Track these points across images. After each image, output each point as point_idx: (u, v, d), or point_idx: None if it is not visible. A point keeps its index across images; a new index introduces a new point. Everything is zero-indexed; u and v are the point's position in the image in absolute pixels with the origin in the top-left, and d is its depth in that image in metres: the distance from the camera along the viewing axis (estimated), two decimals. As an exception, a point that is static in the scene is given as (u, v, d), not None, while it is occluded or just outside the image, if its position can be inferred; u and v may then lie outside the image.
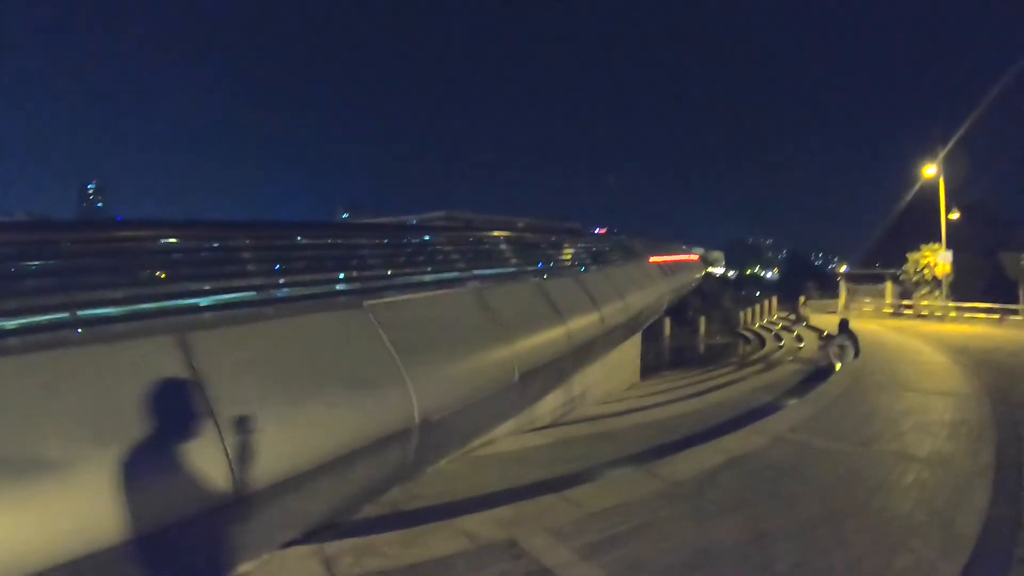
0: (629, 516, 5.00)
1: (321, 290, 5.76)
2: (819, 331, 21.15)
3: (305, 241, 6.52)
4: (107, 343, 3.80)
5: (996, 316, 27.31)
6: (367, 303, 5.71)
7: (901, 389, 11.14)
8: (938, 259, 30.46)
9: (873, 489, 5.84)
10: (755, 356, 21.01)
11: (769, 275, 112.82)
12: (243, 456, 3.85)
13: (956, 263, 30.38)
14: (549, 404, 9.46)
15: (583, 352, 8.96)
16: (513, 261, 8.66)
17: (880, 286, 35.39)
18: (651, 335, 26.12)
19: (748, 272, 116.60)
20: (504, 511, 5.10)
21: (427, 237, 7.97)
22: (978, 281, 31.93)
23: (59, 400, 3.37)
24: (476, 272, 7.54)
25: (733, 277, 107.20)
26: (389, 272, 6.50)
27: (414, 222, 56.98)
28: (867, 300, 34.88)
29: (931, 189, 31.05)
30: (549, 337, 7.72)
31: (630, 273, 12.84)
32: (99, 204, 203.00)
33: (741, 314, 31.88)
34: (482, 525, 4.77)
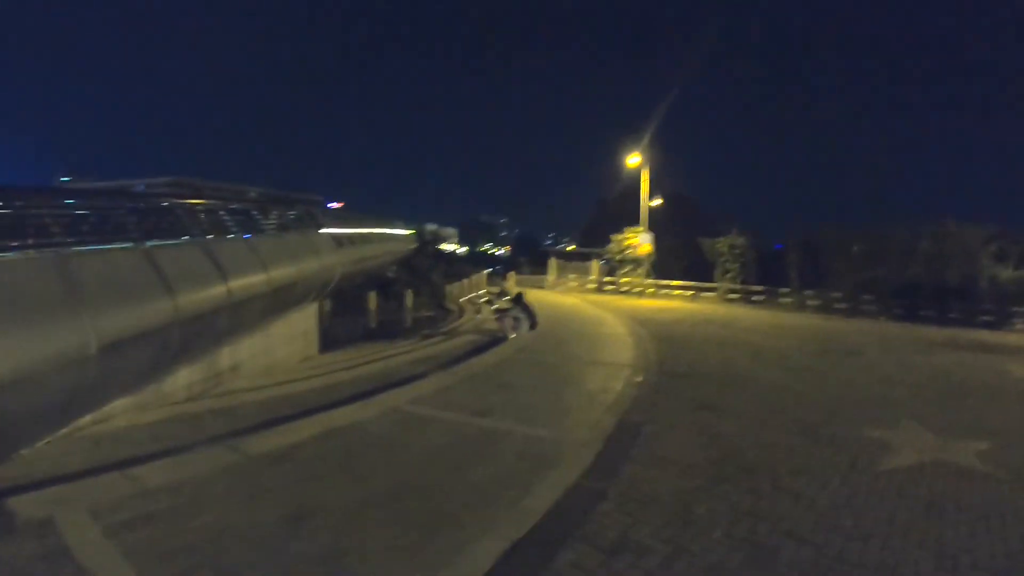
0: (179, 494, 5.15)
1: None
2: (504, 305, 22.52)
3: None
4: None
5: (691, 293, 31.73)
6: None
7: (562, 360, 12.05)
8: (639, 240, 34.05)
9: (461, 463, 6.01)
10: (447, 328, 22.08)
11: (500, 252, 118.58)
12: None
13: (660, 246, 34.38)
14: (183, 379, 9.37)
15: (205, 323, 8.85)
16: (127, 231, 8.29)
17: (588, 263, 39.33)
18: (354, 307, 26.55)
19: (479, 249, 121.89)
20: (61, 490, 5.19)
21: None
22: (679, 263, 36.19)
23: None
24: (68, 240, 7.13)
25: (464, 253, 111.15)
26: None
27: (141, 187, 52.92)
28: (576, 276, 38.78)
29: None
30: (151, 307, 7.54)
31: (286, 245, 12.78)
32: None
33: (449, 288, 33.19)
34: (31, 504, 4.83)
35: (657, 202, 36.24)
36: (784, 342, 16.25)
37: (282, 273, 11.53)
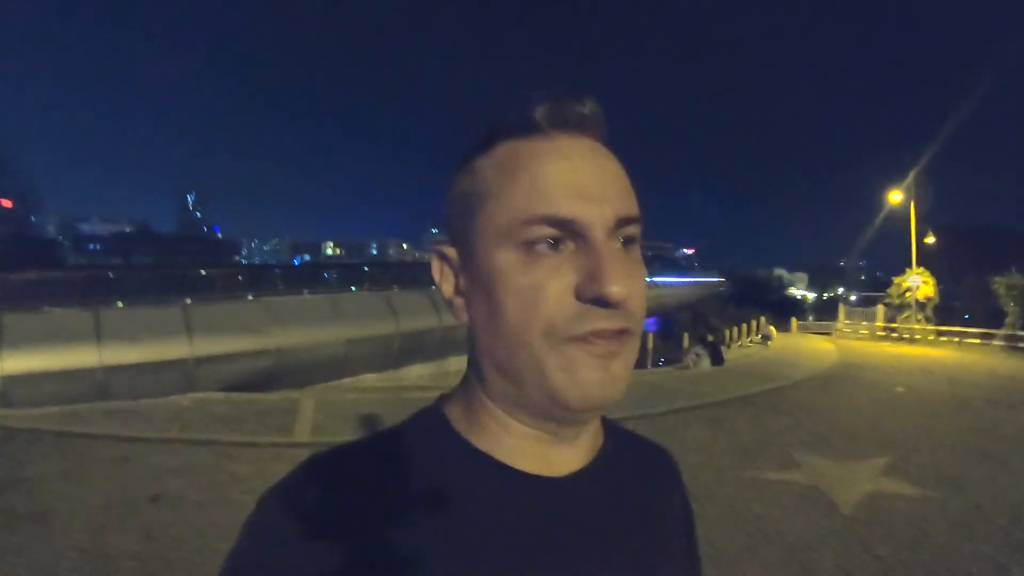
0: (356, 404, 11.81)
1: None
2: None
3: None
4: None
5: (957, 340, 30.14)
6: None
7: (696, 388, 15.40)
8: (910, 283, 34.08)
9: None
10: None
11: (854, 298, 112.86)
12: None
13: (955, 287, 33.09)
14: (416, 370, 16.42)
15: (420, 338, 15.90)
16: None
17: (874, 309, 38.22)
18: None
19: (828, 294, 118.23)
20: (308, 392, 11.95)
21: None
22: (974, 305, 35.15)
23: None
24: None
25: (810, 298, 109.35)
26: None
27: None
28: (862, 323, 38.21)
29: (963, 211, 33.81)
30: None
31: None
32: (198, 215, 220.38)
33: (727, 332, 36.12)
34: (295, 395, 11.58)
35: (928, 239, 35.37)
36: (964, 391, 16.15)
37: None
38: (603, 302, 0.62)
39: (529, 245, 0.65)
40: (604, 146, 0.71)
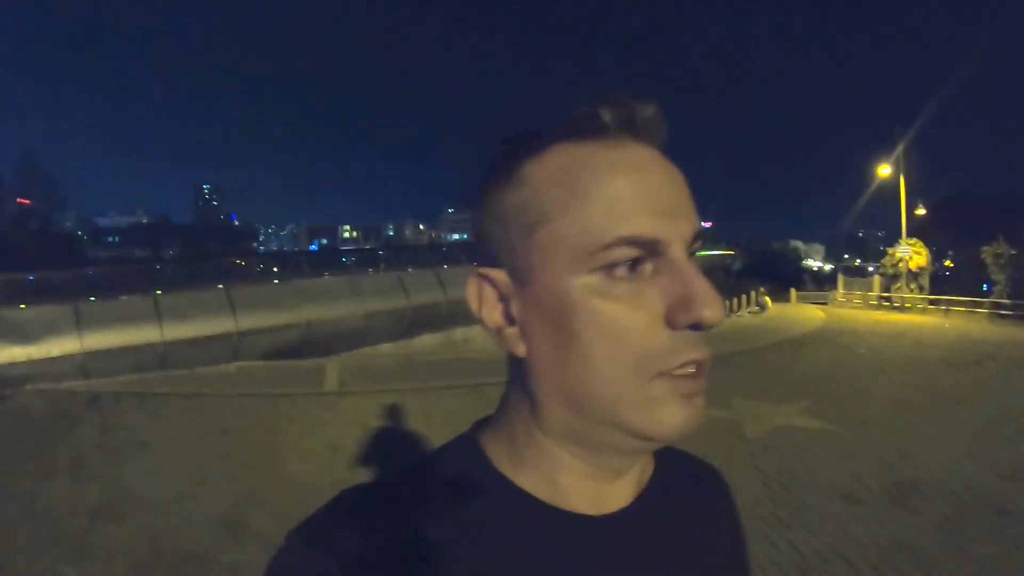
0: (377, 366, 14.17)
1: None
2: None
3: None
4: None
5: (944, 308, 31.50)
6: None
7: None
8: (900, 252, 35.26)
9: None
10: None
11: (873, 268, 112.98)
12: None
13: (964, 257, 33.78)
14: (427, 340, 18.81)
15: (429, 310, 18.24)
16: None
17: (871, 279, 39.30)
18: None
19: (844, 264, 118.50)
20: (332, 358, 14.29)
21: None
22: (973, 274, 35.54)
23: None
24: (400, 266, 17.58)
25: (828, 270, 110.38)
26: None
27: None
28: (858, 292, 39.28)
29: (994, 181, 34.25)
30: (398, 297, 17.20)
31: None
32: (215, 203, 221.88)
33: (726, 303, 37.28)
34: (321, 359, 13.93)
35: (919, 211, 36.32)
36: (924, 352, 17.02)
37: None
38: (698, 327, 0.58)
39: (608, 269, 0.58)
40: (664, 154, 0.64)
